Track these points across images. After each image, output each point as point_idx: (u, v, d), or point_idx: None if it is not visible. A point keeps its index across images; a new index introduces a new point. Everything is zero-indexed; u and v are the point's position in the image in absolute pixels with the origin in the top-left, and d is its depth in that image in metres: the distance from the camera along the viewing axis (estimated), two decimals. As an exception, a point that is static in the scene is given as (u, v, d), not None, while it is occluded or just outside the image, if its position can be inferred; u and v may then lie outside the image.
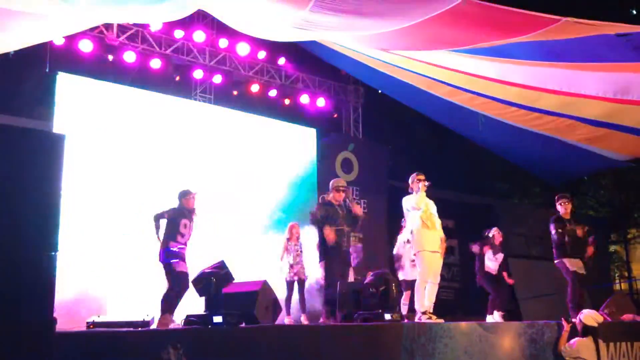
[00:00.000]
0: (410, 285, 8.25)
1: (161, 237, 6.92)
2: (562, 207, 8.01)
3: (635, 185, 18.04)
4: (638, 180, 17.50)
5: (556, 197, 8.15)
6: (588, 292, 11.99)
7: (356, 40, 7.82)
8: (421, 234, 6.91)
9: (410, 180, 7.14)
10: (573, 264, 7.76)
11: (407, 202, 7.08)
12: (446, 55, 7.72)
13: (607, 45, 6.57)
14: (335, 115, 13.09)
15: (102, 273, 8.71)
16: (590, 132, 9.00)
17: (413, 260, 8.36)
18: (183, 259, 6.87)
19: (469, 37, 6.93)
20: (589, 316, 6.81)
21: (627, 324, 7.82)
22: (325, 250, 6.95)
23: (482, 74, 8.15)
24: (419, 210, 6.96)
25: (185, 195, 7.10)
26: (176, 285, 6.71)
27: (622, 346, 7.31)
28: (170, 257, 6.81)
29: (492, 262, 9.04)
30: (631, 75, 7.30)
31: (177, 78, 10.84)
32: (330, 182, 7.39)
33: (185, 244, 6.94)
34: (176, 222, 6.93)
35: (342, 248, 6.99)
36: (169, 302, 6.66)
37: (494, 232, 9.18)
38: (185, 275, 6.74)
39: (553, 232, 7.91)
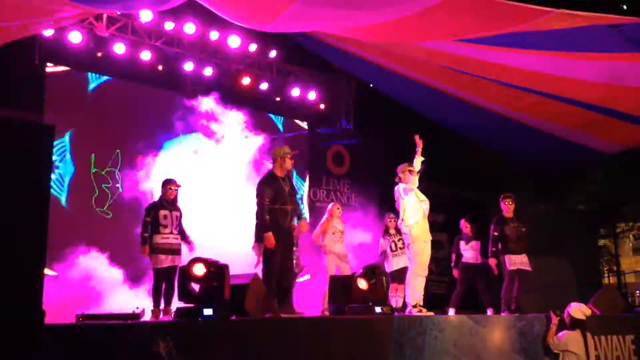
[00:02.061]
0: (396, 276, 8.28)
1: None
2: (506, 207, 8.34)
3: (624, 180, 18.14)
4: (627, 174, 17.59)
5: (501, 197, 8.46)
6: (577, 286, 12.09)
7: (348, 32, 7.80)
8: (419, 223, 6.96)
9: (400, 170, 7.16)
10: (513, 262, 8.08)
11: (399, 189, 7.12)
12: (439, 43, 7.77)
13: (599, 36, 6.66)
14: (326, 108, 13.02)
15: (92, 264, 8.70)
16: (585, 119, 9.07)
17: (394, 251, 8.45)
18: (168, 252, 6.88)
19: (461, 29, 6.95)
20: (577, 309, 6.86)
21: (617, 317, 7.88)
22: (264, 230, 6.30)
23: (475, 57, 8.18)
24: (412, 192, 7.01)
25: (164, 185, 7.11)
26: (155, 279, 6.84)
27: (614, 339, 7.37)
28: (151, 252, 6.88)
29: (468, 251, 9.09)
30: (624, 64, 7.38)
31: (160, 68, 10.70)
32: (274, 151, 6.69)
33: (171, 233, 6.94)
34: (156, 214, 6.95)
35: (284, 227, 6.35)
36: (153, 296, 6.79)
37: (462, 223, 9.28)
38: (160, 271, 6.80)
39: (492, 232, 8.26)
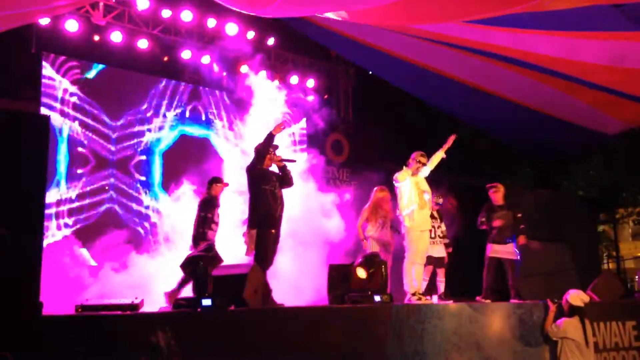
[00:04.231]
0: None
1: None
2: (493, 195, 8.25)
3: (624, 165, 18.10)
4: (626, 160, 17.54)
5: (487, 187, 8.38)
6: (576, 272, 12.08)
7: (348, 15, 7.72)
8: (414, 213, 6.92)
9: (411, 157, 7.11)
10: (495, 250, 8.01)
11: (394, 177, 7.11)
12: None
13: (603, 16, 6.64)
14: (325, 95, 12.98)
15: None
16: (594, 96, 9.05)
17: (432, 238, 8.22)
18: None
19: (465, 10, 6.89)
20: (576, 296, 6.86)
21: (617, 303, 7.88)
22: (259, 217, 6.26)
23: (482, 40, 8.11)
24: (400, 183, 6.98)
25: (212, 183, 7.30)
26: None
27: (613, 325, 7.37)
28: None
29: None
30: (626, 44, 7.35)
31: (166, 59, 10.69)
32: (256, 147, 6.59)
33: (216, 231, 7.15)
34: (213, 212, 7.12)
35: (276, 215, 6.33)
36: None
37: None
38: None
39: (479, 221, 8.21)
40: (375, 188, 8.17)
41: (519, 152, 13.10)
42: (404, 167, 7.06)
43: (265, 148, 6.37)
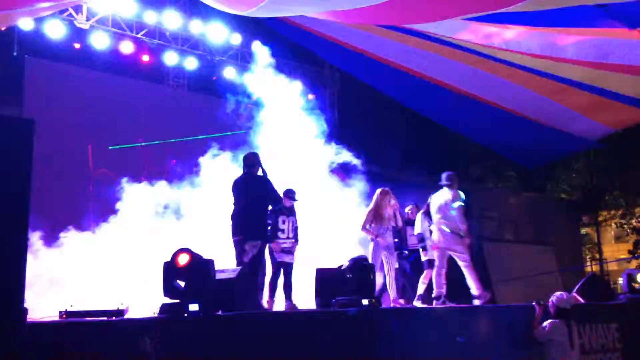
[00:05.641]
0: (432, 264, 8.09)
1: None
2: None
3: (606, 169, 18.35)
4: (608, 164, 17.79)
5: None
6: (560, 274, 12.19)
7: (333, 16, 7.72)
8: None
9: (453, 178, 7.68)
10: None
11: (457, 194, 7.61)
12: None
13: (587, 14, 6.70)
14: (312, 98, 12.99)
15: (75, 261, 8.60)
16: (579, 98, 9.10)
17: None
18: (284, 251, 7.32)
19: (450, 10, 6.91)
20: (562, 298, 6.89)
21: (602, 306, 7.93)
22: (244, 225, 6.35)
23: (463, 38, 8.14)
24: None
25: (283, 195, 7.37)
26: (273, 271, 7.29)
27: (599, 327, 7.42)
28: (272, 251, 7.29)
29: (412, 237, 8.92)
30: (610, 40, 7.43)
31: (148, 59, 10.62)
32: (250, 155, 6.74)
33: (287, 238, 7.37)
34: (276, 219, 7.33)
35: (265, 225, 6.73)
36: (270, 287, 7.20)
37: (410, 208, 9.11)
38: (278, 264, 7.28)
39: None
40: (378, 190, 8.13)
41: (503, 156, 13.19)
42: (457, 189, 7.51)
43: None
